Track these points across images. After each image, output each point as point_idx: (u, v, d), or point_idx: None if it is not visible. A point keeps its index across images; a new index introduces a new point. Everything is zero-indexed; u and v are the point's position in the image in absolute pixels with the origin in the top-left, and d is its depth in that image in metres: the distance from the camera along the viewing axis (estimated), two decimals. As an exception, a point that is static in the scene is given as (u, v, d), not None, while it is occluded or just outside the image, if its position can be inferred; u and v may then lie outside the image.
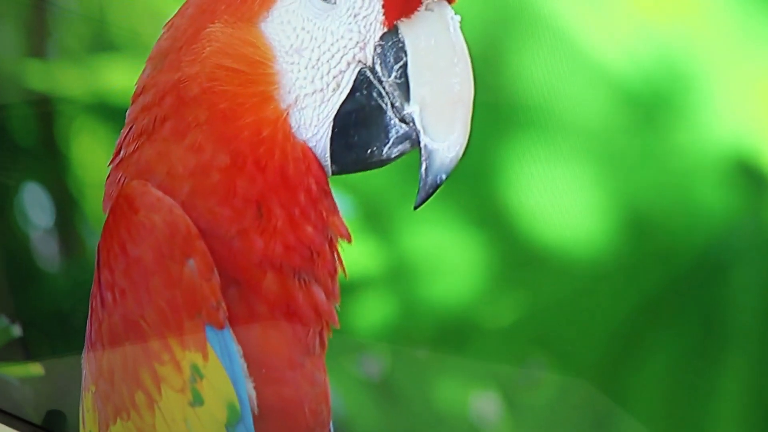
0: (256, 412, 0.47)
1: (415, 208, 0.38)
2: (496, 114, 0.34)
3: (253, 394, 0.47)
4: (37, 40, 0.47)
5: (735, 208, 0.31)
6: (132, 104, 0.46)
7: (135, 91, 0.45)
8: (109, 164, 0.47)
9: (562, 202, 0.34)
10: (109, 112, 0.45)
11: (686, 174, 0.31)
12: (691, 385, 0.34)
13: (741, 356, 0.32)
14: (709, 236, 0.31)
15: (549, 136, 0.34)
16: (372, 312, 0.40)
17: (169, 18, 0.43)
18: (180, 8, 0.42)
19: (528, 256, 0.35)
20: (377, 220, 0.39)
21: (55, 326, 0.54)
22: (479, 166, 0.35)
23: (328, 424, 0.45)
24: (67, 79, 0.46)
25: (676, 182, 0.31)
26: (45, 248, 0.52)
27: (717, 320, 0.32)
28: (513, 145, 0.34)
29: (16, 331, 0.55)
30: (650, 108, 0.31)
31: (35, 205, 0.51)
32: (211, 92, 0.43)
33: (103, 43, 0.45)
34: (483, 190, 0.36)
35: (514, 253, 0.35)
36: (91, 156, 0.47)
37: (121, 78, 0.45)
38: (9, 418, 0.58)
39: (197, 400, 0.48)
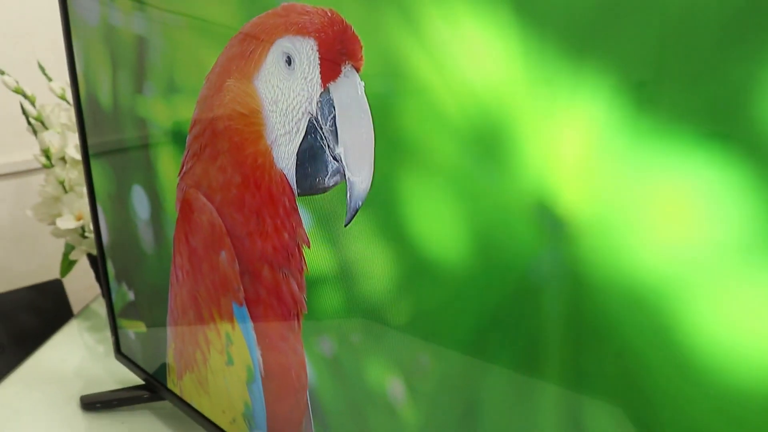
0: (262, 374, 0.62)
1: (345, 225, 0.49)
2: (388, 155, 0.44)
3: (261, 359, 0.61)
4: (140, 82, 0.65)
5: (540, 241, 0.37)
6: (188, 134, 0.62)
7: (190, 125, 0.62)
8: (178, 176, 0.65)
9: (435, 226, 0.42)
10: (180, 137, 0.62)
11: (509, 210, 0.37)
12: (517, 392, 0.40)
13: (552, 377, 0.38)
14: (525, 264, 0.38)
15: (425, 173, 0.42)
16: (326, 302, 0.52)
17: (208, 72, 0.58)
18: (213, 66, 0.57)
19: (415, 267, 0.44)
20: (325, 232, 0.51)
21: (153, 295, 0.74)
22: (382, 195, 0.45)
23: (306, 387, 0.58)
24: (157, 111, 0.64)
25: (502, 217, 0.38)
26: (146, 234, 0.71)
27: (532, 338, 0.39)
28: (402, 178, 0.44)
29: (131, 296, 0.76)
30: (482, 154, 0.38)
31: (139, 202, 0.71)
32: (229, 129, 0.57)
33: (174, 86, 0.62)
34: (386, 214, 0.45)
35: (407, 264, 0.45)
36: (169, 168, 0.65)
37: (185, 112, 0.61)
38: (128, 362, 0.80)
39: (230, 361, 0.64)
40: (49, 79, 0.92)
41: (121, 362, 0.78)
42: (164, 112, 0.64)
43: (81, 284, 0.95)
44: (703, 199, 0.30)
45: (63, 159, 0.90)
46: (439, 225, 0.42)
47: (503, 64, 0.36)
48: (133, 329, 0.75)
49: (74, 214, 0.87)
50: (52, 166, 0.89)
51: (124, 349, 0.78)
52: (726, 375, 0.30)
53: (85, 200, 0.86)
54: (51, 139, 0.89)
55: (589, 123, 0.33)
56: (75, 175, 0.86)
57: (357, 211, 0.47)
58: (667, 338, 0.32)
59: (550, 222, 0.36)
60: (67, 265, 0.95)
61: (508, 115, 0.36)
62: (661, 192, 0.31)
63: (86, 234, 0.87)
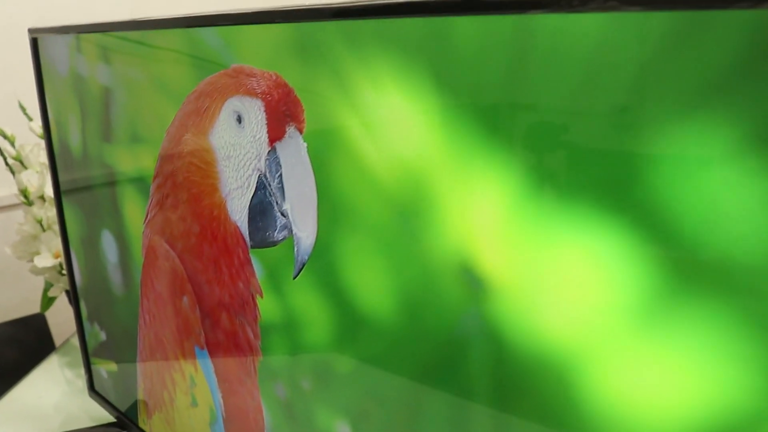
0: (224, 416, 0.63)
1: (294, 278, 0.51)
2: (330, 214, 0.46)
3: (222, 402, 0.63)
4: (106, 131, 0.67)
5: (462, 300, 0.38)
6: (152, 183, 0.64)
7: (153, 175, 0.64)
8: (143, 223, 0.67)
9: (370, 282, 0.44)
10: (145, 186, 0.64)
11: (434, 270, 0.39)
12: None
13: (479, 426, 0.40)
14: (450, 321, 0.40)
15: (360, 233, 0.44)
16: (279, 349, 0.54)
17: (168, 125, 0.60)
18: (173, 120, 0.60)
19: (354, 319, 0.46)
20: (276, 283, 0.52)
21: (123, 336, 0.75)
22: (326, 251, 0.47)
23: (263, 431, 0.59)
24: (123, 160, 0.67)
25: (428, 276, 0.40)
26: (115, 277, 0.73)
27: (460, 390, 0.41)
28: (342, 236, 0.46)
29: (103, 336, 0.78)
30: (409, 216, 0.40)
31: (108, 246, 0.73)
32: (188, 180, 0.59)
33: (138, 137, 0.64)
34: (329, 269, 0.47)
35: (347, 316, 0.46)
36: (135, 215, 0.67)
37: (148, 163, 0.63)
38: (101, 399, 0.81)
39: (194, 402, 0.66)
40: (30, 119, 0.95)
41: (95, 400, 0.80)
42: (129, 162, 0.66)
43: (65, 317, 0.97)
44: (599, 266, 0.32)
45: (42, 197, 0.92)
46: (373, 282, 0.44)
47: (426, 134, 0.38)
48: (105, 368, 0.77)
49: (52, 252, 0.89)
50: (31, 204, 0.91)
51: (97, 387, 0.79)
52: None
53: (62, 239, 0.87)
54: (30, 178, 0.91)
55: (501, 192, 0.35)
56: (53, 213, 0.88)
57: (304, 264, 0.49)
58: (572, 396, 0.33)
59: (470, 282, 0.37)
60: (47, 301, 0.97)
61: (432, 181, 0.39)
62: (564, 258, 0.33)
63: (63, 272, 0.89)
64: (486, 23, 0.34)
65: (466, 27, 0.35)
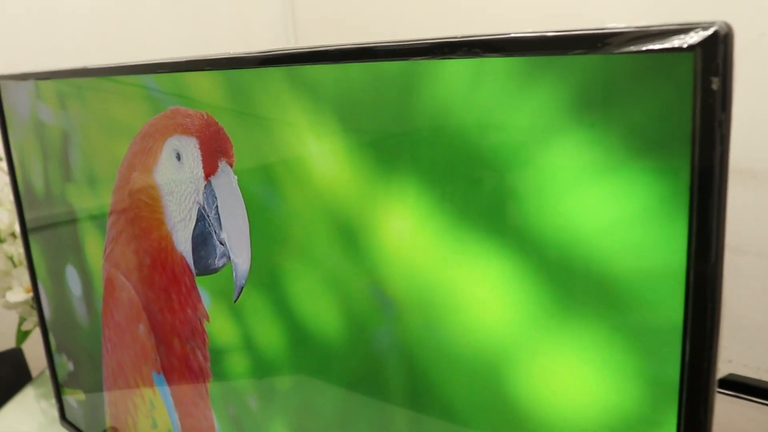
0: (181, 435, 0.67)
1: (234, 301, 0.55)
2: (261, 240, 0.50)
3: (179, 423, 0.66)
4: (66, 172, 0.71)
5: (378, 317, 0.43)
6: (108, 220, 0.68)
7: (108, 212, 0.68)
8: (102, 257, 0.70)
9: (299, 301, 0.48)
10: (102, 223, 0.68)
11: (353, 290, 0.43)
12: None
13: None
14: (370, 337, 0.44)
15: (287, 257, 0.48)
16: (227, 370, 0.57)
17: (119, 165, 0.65)
18: (122, 160, 0.64)
19: (288, 337, 0.50)
20: (221, 307, 0.56)
21: (89, 365, 0.79)
22: (260, 274, 0.51)
23: (218, 448, 0.63)
24: (81, 199, 0.70)
25: (350, 295, 0.44)
26: (80, 309, 0.77)
27: (385, 400, 0.44)
28: (271, 260, 0.50)
29: (70, 366, 0.82)
30: (329, 242, 0.44)
31: (72, 280, 0.77)
32: (138, 216, 0.63)
33: (94, 177, 0.68)
34: (265, 291, 0.51)
35: (284, 334, 0.50)
36: (95, 251, 0.71)
37: (104, 201, 0.67)
38: (72, 428, 0.84)
39: (155, 425, 0.69)
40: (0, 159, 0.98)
41: (66, 428, 0.83)
42: (88, 200, 0.70)
43: (42, 352, 1.00)
44: (487, 282, 0.36)
45: (13, 234, 0.96)
46: (303, 300, 0.48)
47: (335, 167, 0.42)
48: (75, 396, 0.80)
49: (24, 287, 0.93)
50: (2, 241, 0.95)
51: (68, 416, 0.82)
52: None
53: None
54: (1, 216, 0.95)
55: (403, 219, 0.39)
56: (23, 251, 0.92)
57: (242, 288, 0.53)
58: (484, 398, 0.37)
59: (383, 301, 0.42)
60: (22, 335, 1.00)
61: (343, 210, 0.43)
62: (457, 277, 0.37)
63: (35, 306, 0.93)
64: (376, 69, 0.39)
65: (360, 72, 0.40)
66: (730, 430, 0.99)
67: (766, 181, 0.94)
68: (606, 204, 0.31)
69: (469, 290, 0.37)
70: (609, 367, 0.32)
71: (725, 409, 1.02)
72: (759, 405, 0.94)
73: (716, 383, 0.31)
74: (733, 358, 0.98)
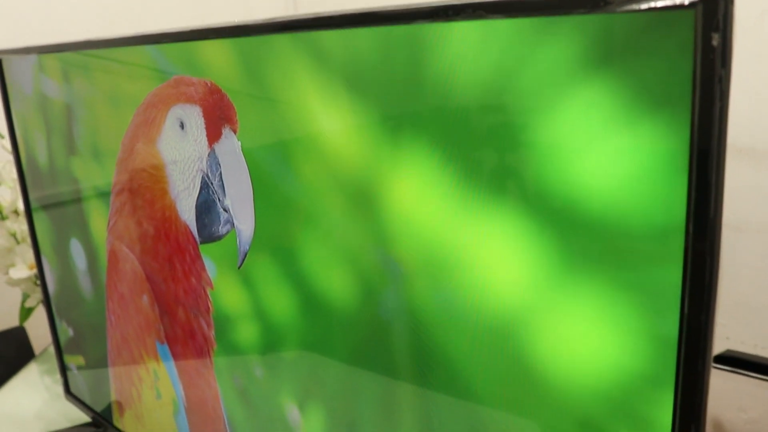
0: (186, 407, 0.68)
1: (238, 268, 0.56)
2: (265, 205, 0.51)
3: (183, 393, 0.67)
4: (70, 146, 0.72)
5: (384, 281, 0.43)
6: (111, 192, 0.69)
7: (112, 184, 0.68)
8: (106, 230, 0.71)
9: (304, 265, 0.49)
10: (106, 195, 0.69)
11: (361, 254, 0.44)
12: (384, 408, 0.46)
13: (407, 397, 0.44)
14: (377, 301, 0.44)
15: (294, 222, 0.49)
16: (231, 338, 0.58)
17: (122, 137, 0.65)
18: (126, 132, 0.64)
19: (293, 302, 0.50)
20: (225, 275, 0.57)
21: (93, 336, 0.79)
22: (264, 240, 0.52)
23: (222, 418, 0.63)
24: (85, 172, 0.71)
25: (357, 259, 0.44)
26: (84, 282, 0.77)
27: (389, 364, 0.45)
28: (276, 225, 0.50)
29: (70, 332, 0.82)
30: (334, 204, 0.44)
31: (77, 253, 0.77)
32: (142, 187, 0.64)
33: (98, 150, 0.68)
34: (269, 256, 0.52)
35: (289, 299, 0.51)
36: (100, 223, 0.71)
37: (108, 173, 0.68)
38: (77, 401, 0.85)
39: (159, 395, 0.70)
40: (1, 137, 0.99)
41: (71, 402, 0.83)
42: (92, 173, 0.70)
43: (45, 330, 1.01)
44: (499, 241, 0.36)
45: (15, 212, 0.96)
46: (308, 265, 0.49)
47: (341, 132, 0.42)
48: (80, 369, 0.81)
49: (27, 264, 0.93)
50: (5, 218, 0.96)
51: (73, 390, 0.83)
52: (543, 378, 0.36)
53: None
54: (3, 193, 0.95)
55: (410, 182, 0.39)
56: (26, 227, 0.93)
57: (246, 254, 0.53)
58: (486, 353, 0.38)
59: (389, 265, 0.42)
60: (25, 312, 1.01)
61: (349, 174, 0.43)
62: (468, 237, 0.38)
63: (39, 282, 0.93)
64: (382, 34, 0.39)
65: (366, 37, 0.40)
66: (728, 405, 1.00)
67: (765, 160, 0.95)
68: (609, 161, 0.31)
69: (476, 251, 0.37)
70: (612, 325, 0.33)
71: (723, 384, 1.03)
72: (756, 380, 0.95)
73: (713, 342, 0.31)
74: (730, 335, 0.98)
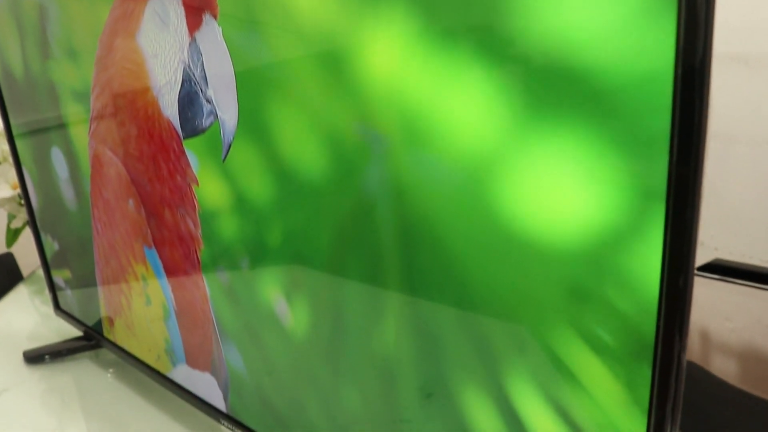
0: (176, 310, 0.67)
1: (223, 160, 0.55)
2: (248, 91, 0.49)
3: (173, 296, 0.67)
4: (45, 49, 0.69)
5: (367, 156, 0.42)
6: (91, 95, 0.67)
7: (92, 86, 0.66)
8: (88, 135, 0.69)
9: (290, 150, 0.48)
10: (86, 99, 0.67)
11: (342, 130, 0.43)
12: (369, 291, 0.46)
13: (392, 277, 0.44)
14: (360, 179, 0.43)
15: (277, 103, 0.48)
16: (217, 235, 0.57)
17: (100, 34, 0.63)
18: (103, 28, 0.62)
19: (278, 189, 0.49)
20: (209, 170, 0.56)
21: (79, 248, 0.79)
22: (249, 128, 0.50)
23: (211, 318, 0.63)
24: (63, 75, 0.69)
25: (339, 136, 0.43)
26: (67, 192, 0.76)
27: (372, 244, 0.44)
28: (261, 110, 0.49)
29: (56, 246, 0.82)
30: (317, 81, 0.42)
31: (58, 163, 0.76)
32: (123, 85, 0.62)
33: (74, 51, 0.66)
34: (253, 144, 0.51)
35: (273, 187, 0.50)
36: (81, 129, 0.69)
37: (87, 75, 0.66)
38: (67, 316, 0.85)
39: (148, 301, 0.69)
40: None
41: (61, 317, 0.83)
42: (70, 76, 0.68)
43: (34, 257, 1.00)
44: (483, 96, 0.35)
45: (-4, 133, 0.94)
46: (292, 149, 0.47)
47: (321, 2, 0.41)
48: (63, 277, 0.80)
49: (10, 184, 0.92)
50: (-15, 140, 0.93)
51: (62, 305, 0.83)
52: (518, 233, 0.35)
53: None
54: (-17, 114, 0.93)
55: (389, 47, 0.38)
56: (6, 147, 0.91)
57: (230, 145, 0.52)
58: (473, 220, 0.37)
59: (372, 137, 0.41)
60: (12, 235, 1.00)
61: (327, 42, 0.42)
62: (451, 97, 0.36)
63: (23, 202, 0.92)
64: None
65: None
66: (714, 314, 1.02)
67: (758, 67, 0.93)
68: (595, 5, 0.30)
69: (460, 111, 0.36)
70: (599, 178, 0.32)
71: (709, 294, 1.04)
72: (742, 290, 0.96)
73: (702, 188, 0.30)
74: (719, 246, 0.99)
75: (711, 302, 1.02)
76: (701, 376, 0.92)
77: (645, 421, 0.31)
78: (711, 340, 1.00)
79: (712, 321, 1.01)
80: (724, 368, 1.00)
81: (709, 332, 1.01)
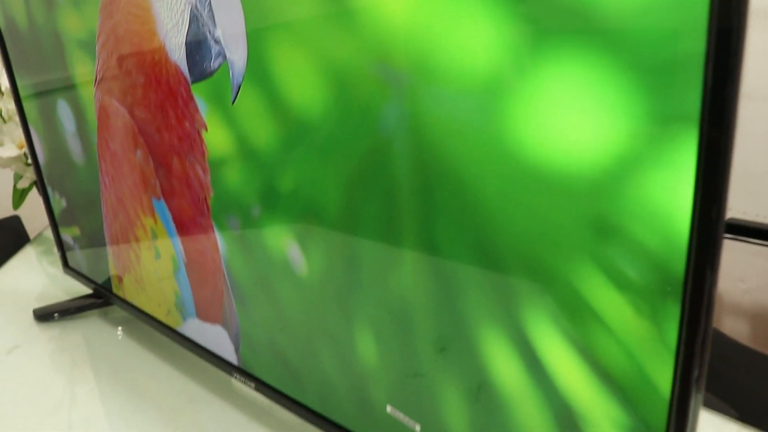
0: (185, 262, 0.67)
1: (232, 103, 0.53)
2: (258, 29, 0.48)
3: (182, 248, 0.66)
4: None
5: (385, 95, 0.41)
6: (96, 43, 0.66)
7: (97, 35, 0.65)
8: (93, 86, 0.68)
9: (301, 89, 0.47)
10: (92, 48, 0.66)
11: (358, 68, 0.42)
12: (384, 234, 0.45)
13: (408, 221, 0.43)
14: (375, 119, 0.42)
15: (287, 41, 0.46)
16: (227, 181, 0.56)
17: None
18: (108, -28, 0.60)
19: (291, 130, 0.48)
20: (218, 114, 0.55)
21: (86, 203, 0.78)
22: (259, 69, 0.49)
23: (221, 268, 0.63)
24: (68, 25, 0.67)
25: (354, 74, 0.42)
26: (74, 146, 0.75)
27: (388, 189, 0.43)
28: (271, 49, 0.47)
29: (63, 203, 0.81)
30: (330, 18, 0.41)
31: (65, 116, 0.75)
32: (128, 31, 0.61)
33: None
34: (263, 86, 0.49)
35: (285, 129, 0.49)
36: (86, 80, 0.68)
37: (92, 23, 0.64)
38: (76, 274, 0.84)
39: (158, 255, 0.69)
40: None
41: (70, 275, 0.83)
42: (74, 26, 0.67)
43: (41, 220, 1.00)
44: (498, 26, 0.34)
45: (0, 91, 0.93)
46: (304, 88, 0.46)
47: None
48: (71, 234, 0.80)
49: (16, 143, 0.91)
50: (-9, 100, 0.92)
51: (71, 263, 0.82)
52: (536, 163, 0.34)
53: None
54: (-13, 74, 0.92)
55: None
56: (13, 105, 0.90)
57: (239, 87, 0.51)
58: (493, 155, 0.36)
59: (388, 75, 0.40)
60: (19, 196, 0.99)
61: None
62: (464, 29, 0.35)
63: (30, 161, 0.91)
64: None
65: None
66: (728, 275, 1.00)
67: (774, 22, 0.91)
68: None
69: (479, 43, 0.35)
70: (623, 104, 0.31)
71: (724, 255, 1.03)
72: (756, 250, 0.94)
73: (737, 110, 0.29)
74: (732, 205, 0.98)
75: (724, 263, 1.01)
76: (714, 337, 0.92)
77: (672, 359, 0.30)
78: (724, 301, 0.99)
79: (725, 282, 1.00)
80: (737, 329, 0.99)
81: (721, 293, 1.00)
